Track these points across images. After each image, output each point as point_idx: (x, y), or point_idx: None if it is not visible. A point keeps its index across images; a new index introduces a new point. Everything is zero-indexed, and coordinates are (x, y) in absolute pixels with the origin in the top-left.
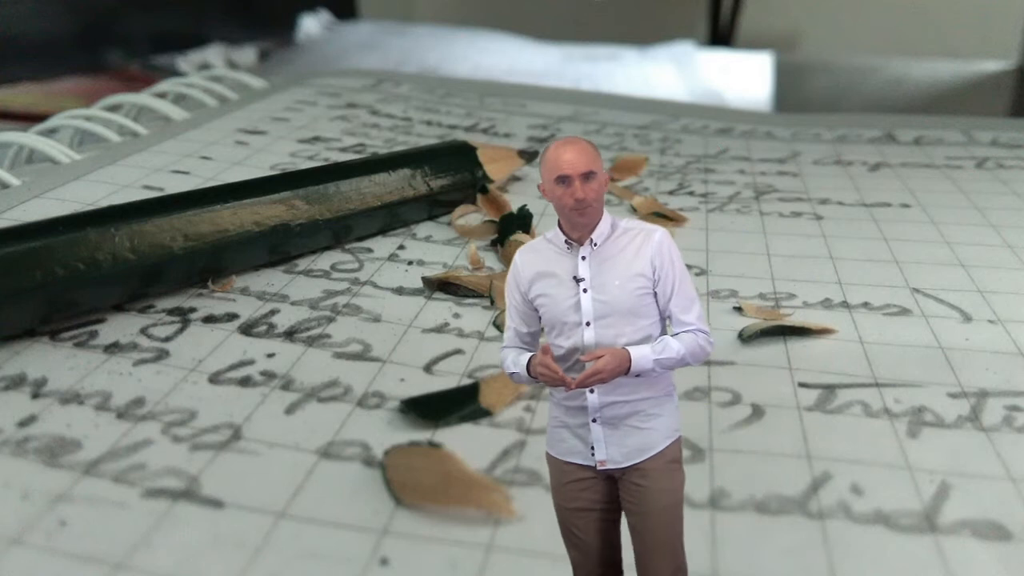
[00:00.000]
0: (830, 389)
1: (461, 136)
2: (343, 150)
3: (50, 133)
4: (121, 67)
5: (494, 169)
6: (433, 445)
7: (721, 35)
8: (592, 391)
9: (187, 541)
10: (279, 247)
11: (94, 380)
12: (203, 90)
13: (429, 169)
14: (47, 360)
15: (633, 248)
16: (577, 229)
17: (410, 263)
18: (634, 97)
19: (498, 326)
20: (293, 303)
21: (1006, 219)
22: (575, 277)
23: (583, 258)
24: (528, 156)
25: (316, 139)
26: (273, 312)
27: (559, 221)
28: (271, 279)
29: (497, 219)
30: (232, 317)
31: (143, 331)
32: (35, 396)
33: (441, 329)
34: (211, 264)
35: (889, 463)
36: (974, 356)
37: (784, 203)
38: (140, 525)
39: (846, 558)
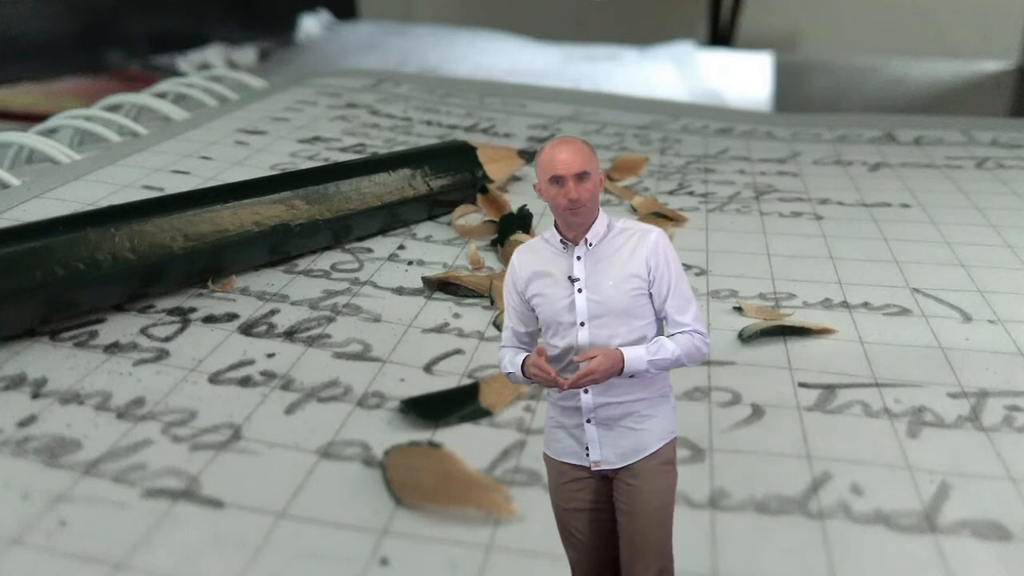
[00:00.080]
0: (830, 389)
1: (461, 136)
2: (343, 150)
3: (50, 133)
4: (121, 67)
5: (494, 169)
6: (433, 445)
7: (721, 35)
8: (586, 391)
9: (187, 541)
10: (279, 247)
11: (94, 380)
12: (203, 90)
13: (429, 169)
14: (47, 360)
15: (628, 248)
16: (572, 229)
17: (410, 263)
18: (634, 97)
19: (498, 326)
20: (293, 303)
21: (1006, 219)
22: (570, 277)
23: (578, 258)
24: (528, 156)
25: (316, 139)
26: (273, 312)
27: (555, 221)
28: (271, 279)
29: (497, 219)
30: (232, 317)
31: (143, 331)
32: (35, 396)
33: (441, 329)
34: (211, 264)
35: (889, 463)
36: (974, 356)
37: (784, 203)
38: (140, 525)
39: (846, 558)
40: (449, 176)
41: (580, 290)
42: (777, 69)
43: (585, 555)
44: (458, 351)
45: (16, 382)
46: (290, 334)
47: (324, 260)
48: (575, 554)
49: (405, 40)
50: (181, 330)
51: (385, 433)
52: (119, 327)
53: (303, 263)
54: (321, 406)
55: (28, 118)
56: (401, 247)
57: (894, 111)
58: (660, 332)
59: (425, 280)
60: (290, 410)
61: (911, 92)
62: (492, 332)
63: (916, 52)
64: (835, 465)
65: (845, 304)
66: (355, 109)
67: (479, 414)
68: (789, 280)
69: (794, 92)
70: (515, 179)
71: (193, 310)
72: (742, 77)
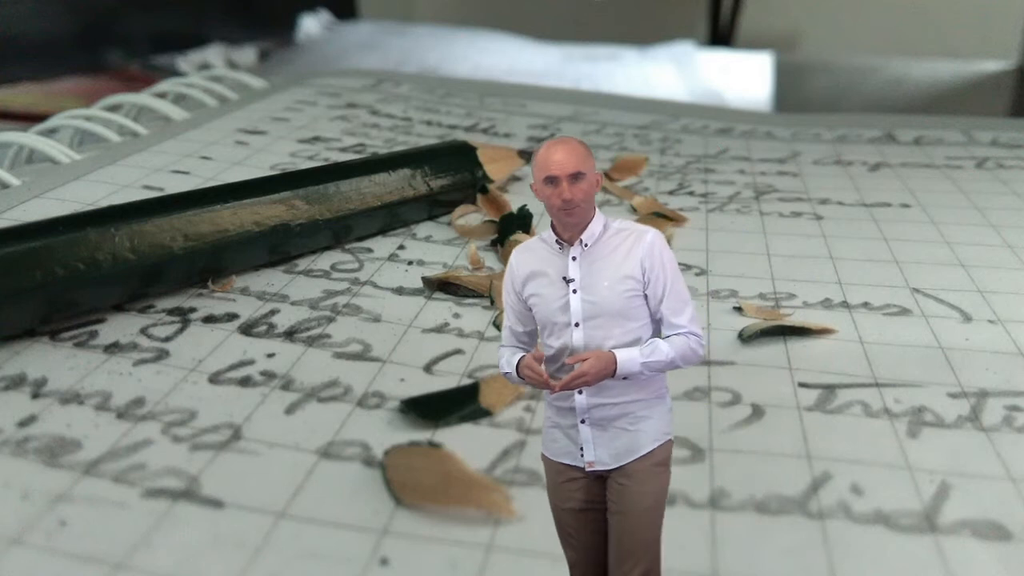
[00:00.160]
0: (830, 389)
1: (461, 136)
2: (343, 150)
3: (50, 133)
4: (121, 67)
5: (494, 169)
6: (433, 445)
7: (721, 35)
8: (580, 392)
9: (187, 541)
10: (279, 247)
11: (94, 380)
12: (203, 90)
13: (429, 169)
14: (47, 360)
15: (624, 249)
16: (567, 229)
17: (410, 263)
18: (634, 97)
19: (498, 326)
20: (293, 303)
21: (1006, 219)
22: (565, 278)
23: (573, 258)
24: (528, 156)
25: (316, 139)
26: (273, 312)
27: (552, 221)
28: (271, 279)
29: (497, 219)
30: (232, 317)
31: (143, 331)
32: (35, 396)
33: (441, 329)
34: (211, 264)
35: (889, 463)
36: (974, 356)
37: (784, 203)
38: (140, 525)
39: (846, 558)
40: (449, 176)
41: (575, 291)
42: (777, 69)
43: (583, 555)
44: (458, 351)
45: (16, 382)
46: (290, 334)
47: (324, 260)
48: (573, 554)
49: (405, 40)
50: (181, 330)
51: (385, 433)
52: (119, 327)
53: (303, 263)
54: (321, 406)
55: (28, 118)
56: (401, 247)
57: (894, 111)
58: (656, 333)
59: (425, 280)
60: (290, 410)
61: (911, 92)
62: (492, 332)
63: (916, 52)
64: (835, 465)
65: (845, 304)
66: (355, 109)
67: (479, 414)
68: (789, 280)
69: (794, 92)
70: (515, 179)
71: (193, 310)
72: (742, 77)
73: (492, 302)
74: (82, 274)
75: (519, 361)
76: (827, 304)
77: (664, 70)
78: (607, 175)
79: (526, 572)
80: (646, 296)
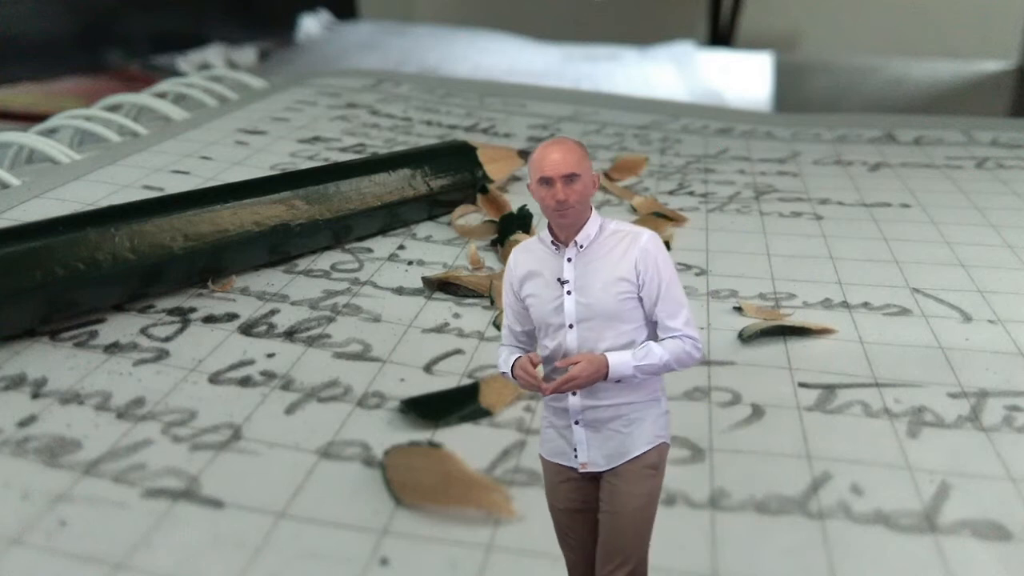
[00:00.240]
0: (830, 389)
1: (461, 136)
2: (343, 150)
3: (50, 133)
4: (121, 67)
5: (494, 169)
6: (433, 445)
7: (721, 35)
8: (574, 394)
9: (187, 541)
10: (279, 247)
11: (94, 380)
12: (203, 90)
13: (429, 169)
14: (47, 360)
15: (619, 252)
16: (562, 231)
17: (410, 263)
18: (634, 97)
19: (498, 326)
20: (293, 303)
21: (1006, 219)
22: (559, 279)
23: (568, 260)
24: (527, 156)
25: (316, 139)
26: (273, 312)
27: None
28: (271, 279)
29: (497, 219)
30: (232, 317)
31: (143, 331)
32: (35, 396)
33: (441, 329)
34: (211, 264)
35: (889, 463)
36: (974, 356)
37: (784, 203)
38: (140, 525)
39: (846, 558)
40: (449, 176)
41: (569, 292)
42: (777, 69)
43: (580, 555)
44: (458, 351)
45: (16, 382)
46: (290, 334)
47: (324, 260)
48: (571, 554)
49: (405, 40)
50: (181, 330)
51: (385, 433)
52: (119, 327)
53: (303, 263)
54: (321, 406)
55: (28, 118)
56: (401, 247)
57: (894, 111)
58: (652, 336)
59: (425, 280)
60: (290, 410)
61: (911, 92)
62: (492, 332)
63: (916, 52)
64: (835, 465)
65: (845, 304)
66: (355, 109)
67: (479, 414)
68: (789, 280)
69: (794, 92)
70: (515, 179)
71: (193, 310)
72: (742, 77)
73: (492, 302)
74: (82, 274)
75: (514, 363)
76: (827, 304)
77: (664, 70)
78: (607, 175)
79: (526, 572)
80: (641, 299)
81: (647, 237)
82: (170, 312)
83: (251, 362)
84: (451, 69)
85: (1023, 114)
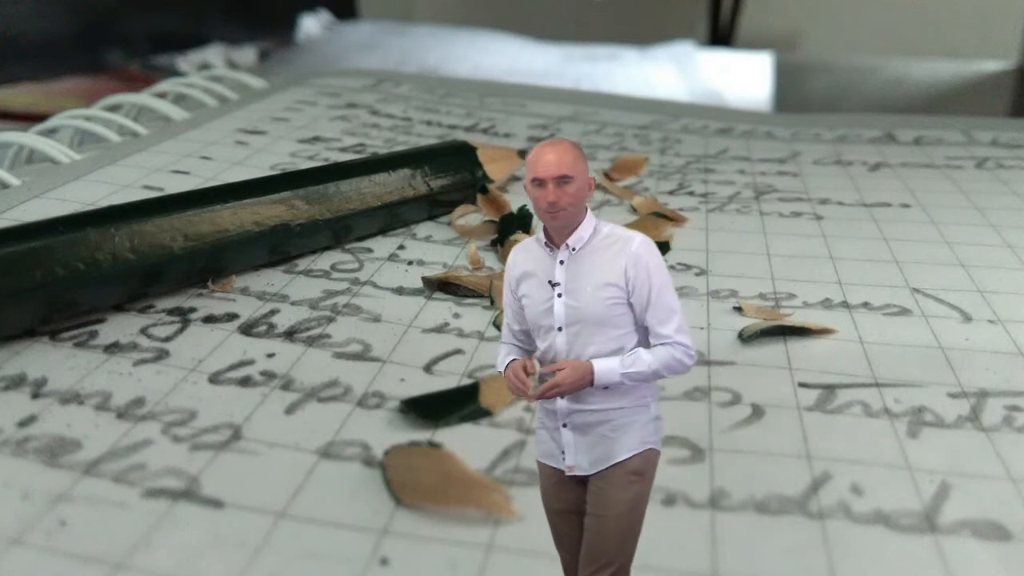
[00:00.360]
0: (830, 389)
1: (461, 136)
2: (343, 150)
3: (50, 133)
4: (121, 67)
5: (494, 169)
6: (433, 445)
7: (721, 35)
8: (562, 397)
9: (187, 541)
10: (279, 247)
11: (94, 380)
12: (203, 90)
13: (429, 169)
14: (47, 360)
15: (609, 256)
16: (555, 232)
17: (410, 263)
18: (634, 97)
19: (498, 326)
20: (293, 303)
21: (1006, 219)
22: (550, 281)
23: (561, 262)
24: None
25: (316, 139)
26: (273, 312)
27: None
28: (271, 279)
29: (497, 219)
30: (232, 317)
31: (143, 331)
32: (35, 396)
33: (441, 329)
34: (211, 264)
35: (889, 463)
36: (974, 356)
37: (784, 203)
38: (140, 525)
39: (846, 558)
40: (449, 176)
41: (560, 295)
42: (777, 69)
43: (575, 556)
44: (458, 351)
45: (16, 382)
46: (290, 334)
47: (324, 260)
48: (566, 555)
49: (405, 40)
50: (181, 330)
51: (385, 433)
52: (119, 327)
53: (303, 263)
54: (321, 406)
55: (28, 118)
56: (401, 247)
57: (894, 111)
58: (644, 341)
59: (425, 280)
60: (290, 410)
61: (911, 92)
62: (492, 332)
63: (916, 52)
64: (835, 465)
65: (845, 304)
66: (355, 109)
67: (479, 414)
68: (789, 280)
69: (794, 92)
70: (515, 179)
71: (193, 310)
72: (742, 77)
73: (492, 302)
74: (82, 274)
75: (508, 365)
76: (827, 304)
77: (664, 70)
78: (607, 175)
79: (526, 572)
80: (631, 304)
81: (639, 242)
82: (170, 312)
83: (251, 362)
84: (451, 69)
85: (1023, 114)
